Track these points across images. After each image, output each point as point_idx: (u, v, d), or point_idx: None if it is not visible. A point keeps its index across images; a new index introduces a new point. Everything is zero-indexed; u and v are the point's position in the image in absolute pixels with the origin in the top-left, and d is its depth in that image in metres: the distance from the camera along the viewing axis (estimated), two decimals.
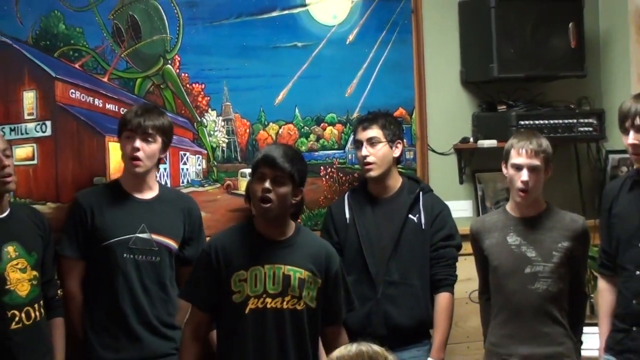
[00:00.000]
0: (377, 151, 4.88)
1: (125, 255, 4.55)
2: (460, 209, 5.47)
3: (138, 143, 4.54)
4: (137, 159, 4.57)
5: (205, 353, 4.57)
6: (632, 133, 4.33)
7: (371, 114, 5.09)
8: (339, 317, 4.45)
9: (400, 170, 5.08)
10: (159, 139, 4.61)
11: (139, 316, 4.56)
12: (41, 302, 4.39)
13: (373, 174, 4.90)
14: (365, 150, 4.88)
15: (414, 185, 5.03)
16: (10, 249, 4.30)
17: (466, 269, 4.94)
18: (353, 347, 3.08)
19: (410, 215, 4.90)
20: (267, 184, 4.19)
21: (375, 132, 4.90)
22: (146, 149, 4.56)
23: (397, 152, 4.95)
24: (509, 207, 4.71)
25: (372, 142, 4.88)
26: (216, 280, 4.28)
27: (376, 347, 3.07)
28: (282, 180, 4.20)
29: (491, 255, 4.65)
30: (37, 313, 4.35)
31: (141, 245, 4.59)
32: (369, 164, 4.89)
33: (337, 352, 3.05)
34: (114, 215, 4.60)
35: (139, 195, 4.67)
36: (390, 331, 4.72)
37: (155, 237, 4.63)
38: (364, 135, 4.91)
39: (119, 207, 4.63)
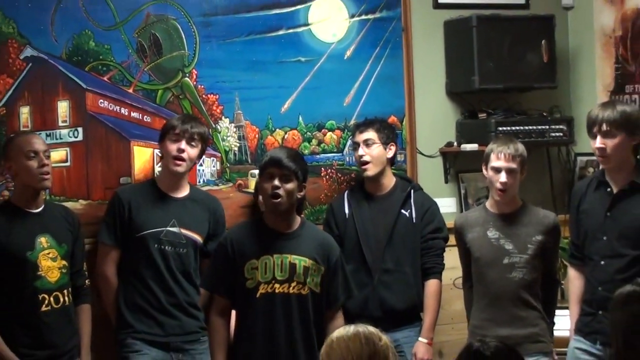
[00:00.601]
0: (372, 151, 4.88)
1: (156, 246, 4.57)
2: (446, 205, 5.44)
3: (184, 145, 4.58)
4: (181, 159, 4.60)
5: None
6: (598, 138, 4.37)
7: (367, 120, 5.10)
8: (337, 302, 4.50)
9: (392, 170, 5.07)
10: (200, 146, 4.66)
11: (169, 298, 4.57)
12: (69, 289, 4.42)
13: (369, 172, 4.90)
14: (362, 150, 4.89)
15: (405, 184, 5.03)
16: (43, 240, 4.35)
17: (451, 258, 4.93)
18: (351, 328, 3.12)
19: (403, 211, 4.90)
20: (276, 182, 4.28)
21: (370, 134, 4.90)
22: (189, 152, 4.60)
23: (390, 153, 4.95)
24: (488, 204, 4.72)
25: (367, 143, 4.88)
26: (232, 269, 4.35)
27: (371, 329, 3.11)
28: (289, 177, 4.31)
29: (473, 248, 4.66)
30: (66, 298, 4.39)
31: (171, 238, 4.60)
32: (366, 163, 4.89)
33: (336, 333, 3.11)
34: (149, 210, 4.62)
35: (172, 194, 4.68)
36: (385, 314, 4.72)
37: (184, 231, 4.64)
38: (361, 137, 4.91)
39: (154, 203, 4.64)
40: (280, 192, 4.30)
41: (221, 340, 4.44)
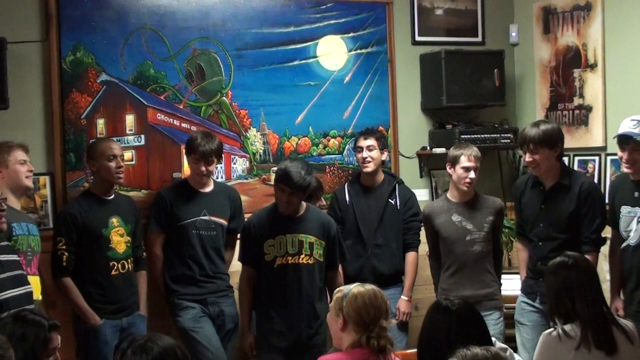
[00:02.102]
0: (373, 154, 4.85)
1: (193, 231, 4.57)
2: (421, 195, 5.40)
3: (203, 167, 4.56)
4: (202, 174, 4.59)
5: None
6: (527, 154, 4.39)
7: (370, 129, 5.11)
8: (336, 265, 4.53)
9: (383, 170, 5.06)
10: (215, 160, 4.61)
11: (202, 272, 4.59)
12: (131, 259, 4.49)
13: (369, 169, 4.87)
14: (365, 152, 4.85)
15: (392, 179, 5.03)
16: (114, 220, 4.42)
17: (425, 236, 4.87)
18: (367, 285, 3.22)
19: (390, 200, 4.90)
20: (285, 197, 4.30)
21: (372, 141, 4.87)
22: (208, 168, 4.58)
23: (384, 157, 4.94)
24: (449, 195, 4.69)
25: (370, 148, 4.85)
26: (255, 246, 4.36)
27: (374, 286, 3.23)
28: (296, 193, 4.30)
29: (441, 230, 4.64)
30: (129, 266, 4.46)
31: (204, 225, 4.60)
32: (367, 162, 4.86)
33: (355, 289, 3.18)
34: (185, 204, 4.61)
35: (201, 190, 4.66)
36: (376, 277, 4.64)
37: (213, 218, 4.63)
38: (365, 143, 4.87)
39: (188, 199, 4.62)
40: (286, 203, 4.33)
41: (247, 302, 4.43)
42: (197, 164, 4.57)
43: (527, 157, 4.41)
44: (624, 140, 4.16)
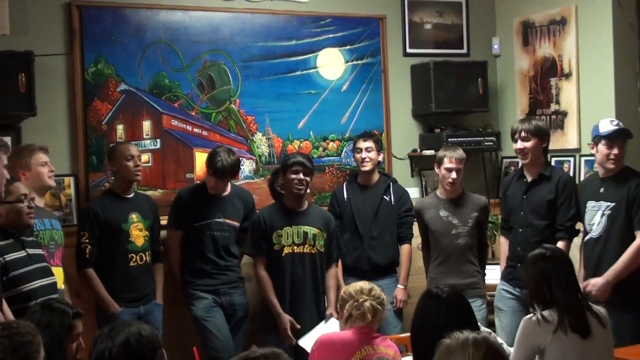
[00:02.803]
0: (370, 155, 4.83)
1: (208, 232, 4.54)
2: (412, 193, 5.31)
3: (213, 183, 4.51)
4: (211, 188, 4.55)
5: None
6: (519, 141, 4.42)
7: (368, 133, 5.07)
8: (333, 258, 4.57)
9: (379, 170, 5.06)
10: (228, 178, 4.56)
11: (216, 267, 4.56)
12: (149, 252, 4.45)
13: (367, 168, 4.85)
14: (364, 153, 4.82)
15: (386, 178, 5.02)
16: (133, 216, 4.40)
17: (416, 230, 4.88)
18: (361, 282, 3.38)
19: (385, 197, 4.87)
20: (301, 175, 4.36)
21: (370, 143, 4.85)
22: (218, 186, 4.53)
23: (380, 158, 4.94)
24: (438, 192, 4.70)
25: (368, 149, 4.83)
26: (264, 237, 4.39)
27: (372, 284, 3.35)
28: (308, 173, 4.38)
29: (430, 224, 4.65)
30: (147, 258, 4.44)
31: (217, 226, 4.56)
32: (366, 162, 4.84)
33: (351, 287, 3.34)
34: (202, 207, 4.58)
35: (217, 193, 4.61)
36: (372, 267, 4.73)
37: (226, 220, 4.59)
38: (364, 144, 4.84)
39: (204, 201, 4.58)
40: (304, 182, 4.39)
41: (269, 285, 4.42)
42: (209, 177, 4.54)
43: (519, 145, 4.43)
44: (621, 135, 4.20)
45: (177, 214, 4.61)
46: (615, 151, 4.20)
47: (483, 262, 4.75)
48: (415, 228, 4.89)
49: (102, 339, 2.43)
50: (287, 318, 4.37)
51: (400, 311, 4.81)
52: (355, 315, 3.24)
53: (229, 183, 4.65)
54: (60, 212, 4.53)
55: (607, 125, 4.24)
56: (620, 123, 4.28)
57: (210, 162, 4.49)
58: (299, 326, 4.37)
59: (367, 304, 3.24)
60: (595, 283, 4.16)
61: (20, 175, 3.97)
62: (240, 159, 4.82)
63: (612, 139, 4.20)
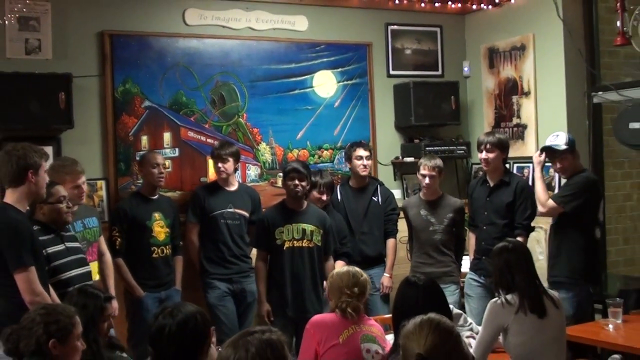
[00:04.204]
0: (368, 162, 4.83)
1: (222, 221, 4.55)
2: (396, 194, 5.25)
3: (219, 164, 4.57)
4: (222, 172, 4.60)
5: None
6: (483, 152, 4.43)
7: (366, 143, 5.07)
8: (329, 251, 4.51)
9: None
10: (231, 159, 4.59)
11: (230, 252, 4.58)
12: (169, 245, 4.47)
13: (365, 173, 4.83)
14: (365, 161, 4.78)
15: (374, 181, 4.98)
16: (156, 215, 4.43)
17: (400, 225, 4.91)
18: (345, 267, 3.28)
19: (373, 198, 4.86)
20: (297, 182, 4.33)
21: (368, 152, 4.84)
22: (225, 167, 4.57)
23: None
24: (421, 194, 4.70)
25: (367, 157, 4.81)
26: (268, 233, 4.36)
27: (357, 269, 3.26)
28: (303, 179, 4.33)
29: (412, 220, 4.68)
30: (168, 251, 4.46)
31: (230, 216, 4.58)
32: (365, 169, 4.81)
33: (336, 270, 3.26)
34: (215, 199, 4.59)
35: (228, 188, 4.64)
36: (363, 258, 4.69)
37: (237, 210, 4.61)
38: (365, 153, 4.80)
39: (217, 195, 4.60)
40: (299, 187, 4.36)
41: (262, 275, 4.41)
42: (215, 164, 4.58)
43: (483, 155, 4.44)
44: (551, 153, 4.25)
45: (194, 208, 4.60)
46: (557, 165, 4.26)
47: (459, 254, 4.74)
48: (401, 223, 4.88)
49: (163, 315, 2.45)
50: (265, 307, 4.36)
51: (387, 296, 4.79)
52: (339, 312, 3.22)
53: (235, 176, 4.69)
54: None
55: (549, 139, 4.29)
56: (562, 134, 4.27)
57: (212, 151, 4.66)
58: (272, 319, 4.33)
59: (349, 309, 3.18)
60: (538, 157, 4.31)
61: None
62: (247, 165, 4.85)
63: (548, 156, 4.28)
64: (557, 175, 4.74)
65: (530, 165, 5.35)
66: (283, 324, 4.20)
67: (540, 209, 4.27)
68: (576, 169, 4.27)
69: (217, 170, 4.62)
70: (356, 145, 4.91)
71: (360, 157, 4.83)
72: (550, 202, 4.21)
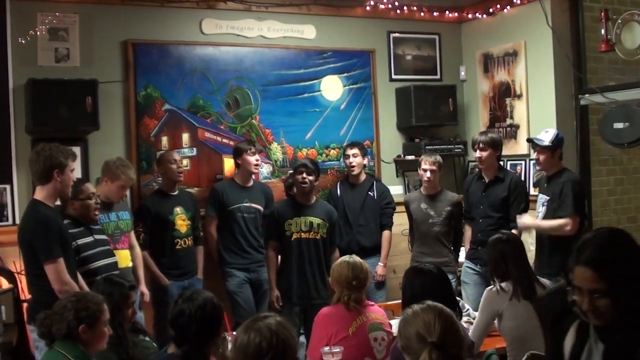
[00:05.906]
0: (357, 160, 4.83)
1: (238, 214, 4.56)
2: (398, 190, 5.41)
3: (258, 157, 4.64)
4: (258, 165, 4.66)
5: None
6: (478, 151, 4.43)
7: (354, 142, 5.07)
8: (334, 244, 4.50)
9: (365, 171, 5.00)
10: (255, 150, 4.63)
11: (247, 243, 4.58)
12: (191, 237, 4.47)
13: (355, 172, 4.85)
14: (352, 159, 4.83)
15: (371, 178, 5.00)
16: (178, 209, 4.43)
17: (401, 219, 4.92)
18: (347, 257, 3.24)
19: (369, 193, 4.84)
20: (304, 175, 4.32)
21: (356, 150, 4.85)
22: (260, 159, 4.68)
23: (365, 162, 4.92)
24: (422, 189, 4.69)
25: (355, 155, 4.83)
26: (278, 225, 4.36)
27: (359, 259, 3.23)
28: (311, 173, 4.32)
29: (413, 213, 4.67)
30: (189, 242, 4.46)
31: (246, 209, 4.58)
32: (354, 167, 4.84)
33: (339, 260, 3.22)
34: (232, 194, 4.59)
35: (244, 185, 4.65)
36: (360, 249, 4.64)
37: (252, 204, 4.61)
38: (351, 152, 4.85)
39: (235, 190, 4.61)
40: (306, 180, 4.35)
41: (273, 264, 4.41)
42: (253, 156, 4.58)
43: (477, 154, 4.44)
44: (534, 144, 4.22)
45: (213, 202, 4.60)
46: (535, 156, 4.22)
47: (457, 246, 4.72)
48: (397, 216, 4.87)
49: (183, 300, 2.60)
50: (275, 293, 4.37)
51: (381, 284, 4.77)
52: (343, 304, 3.17)
53: (252, 179, 4.70)
54: None
55: (540, 133, 4.23)
56: (551, 131, 4.21)
57: (243, 147, 4.62)
58: (281, 304, 4.33)
59: (351, 301, 3.14)
60: (524, 221, 4.22)
61: (104, 181, 4.07)
62: (260, 163, 4.84)
63: (533, 147, 4.25)
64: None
65: (523, 162, 5.37)
66: (290, 308, 4.24)
67: (567, 231, 3.98)
68: (553, 167, 4.18)
69: (253, 166, 4.61)
70: (347, 146, 4.98)
71: (348, 156, 4.87)
72: (566, 220, 4.00)
